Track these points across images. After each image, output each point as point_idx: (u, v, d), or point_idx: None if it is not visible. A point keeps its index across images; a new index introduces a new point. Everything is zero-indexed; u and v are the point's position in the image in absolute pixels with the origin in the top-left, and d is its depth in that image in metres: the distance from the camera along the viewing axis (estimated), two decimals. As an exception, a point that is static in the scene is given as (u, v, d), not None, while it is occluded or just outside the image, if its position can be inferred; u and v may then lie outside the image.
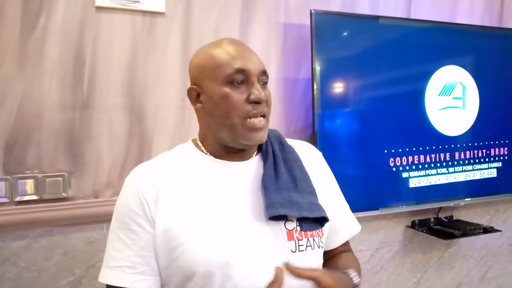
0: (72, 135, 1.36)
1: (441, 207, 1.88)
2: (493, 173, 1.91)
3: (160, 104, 1.44)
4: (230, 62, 0.75)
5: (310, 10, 1.55)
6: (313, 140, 1.55)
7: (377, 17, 1.69)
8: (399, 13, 1.84)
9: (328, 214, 0.81)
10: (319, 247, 0.79)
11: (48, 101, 1.33)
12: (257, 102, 0.75)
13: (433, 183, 1.77)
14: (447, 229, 1.77)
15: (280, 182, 0.79)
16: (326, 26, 1.57)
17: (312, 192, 0.82)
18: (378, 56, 1.67)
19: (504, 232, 2.07)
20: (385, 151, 1.68)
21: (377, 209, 1.65)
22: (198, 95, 0.80)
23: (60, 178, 1.34)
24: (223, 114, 0.76)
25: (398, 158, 1.69)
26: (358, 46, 1.65)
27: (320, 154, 0.94)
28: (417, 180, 1.73)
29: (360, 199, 1.63)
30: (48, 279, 1.33)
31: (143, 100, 1.43)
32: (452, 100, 1.81)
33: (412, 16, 1.87)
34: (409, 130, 1.72)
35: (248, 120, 0.75)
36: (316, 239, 0.79)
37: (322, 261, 0.81)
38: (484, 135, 1.89)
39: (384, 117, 1.68)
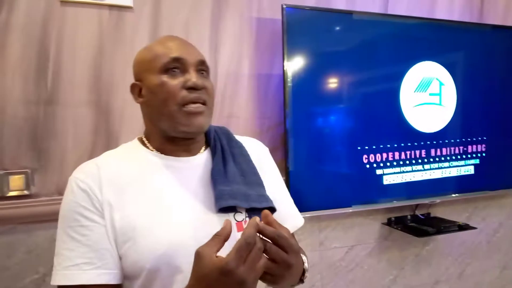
0: (35, 131, 1.34)
1: (418, 205, 1.87)
2: (470, 170, 1.90)
3: (127, 100, 1.41)
4: (167, 52, 0.78)
5: (282, 5, 1.52)
6: (285, 137, 1.54)
7: (350, 12, 1.66)
8: (376, 9, 1.83)
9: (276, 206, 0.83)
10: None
11: (10, 97, 1.31)
12: (193, 88, 0.76)
13: (408, 180, 1.75)
14: (421, 227, 1.76)
15: (229, 175, 0.81)
16: (298, 21, 1.55)
17: (260, 184, 0.84)
18: (353, 52, 1.65)
19: (482, 229, 2.06)
20: (359, 148, 1.66)
21: (350, 206, 1.64)
22: (140, 90, 0.81)
23: (23, 175, 1.32)
24: (161, 103, 0.77)
25: (372, 155, 1.68)
26: (331, 42, 1.63)
27: (266, 149, 0.96)
28: (391, 177, 1.72)
29: (334, 196, 1.62)
30: (11, 277, 1.32)
31: (109, 96, 1.41)
32: (428, 96, 1.79)
33: (390, 12, 1.85)
34: (383, 127, 1.71)
35: (186, 106, 0.76)
36: None
37: None
38: (461, 131, 1.88)
39: (358, 113, 1.66)
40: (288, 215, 0.91)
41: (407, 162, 1.75)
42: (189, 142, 0.83)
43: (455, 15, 2.00)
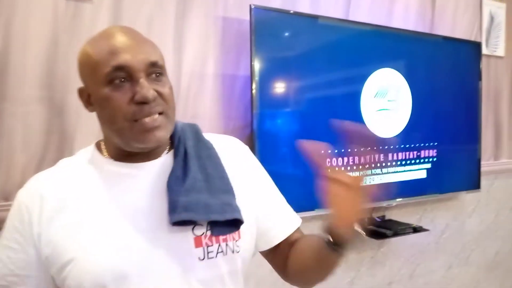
0: (-22, 130, 1.20)
1: (374, 208, 1.91)
2: (423, 174, 1.98)
3: (84, 98, 1.31)
4: (107, 59, 0.65)
5: (250, 5, 1.49)
6: (251, 139, 1.50)
7: (316, 17, 1.67)
8: (339, 14, 1.85)
9: (260, 212, 0.77)
10: (233, 251, 0.72)
11: None
12: (143, 102, 0.65)
13: (367, 183, 1.79)
14: (379, 229, 1.81)
15: (189, 182, 0.71)
16: (265, 23, 1.53)
17: (227, 191, 0.74)
18: (317, 56, 1.66)
19: (431, 231, 2.16)
20: (322, 152, 1.66)
21: (313, 210, 1.64)
22: (89, 97, 0.71)
23: (-37, 179, 1.18)
24: (109, 119, 0.68)
25: (334, 159, 1.69)
26: (298, 45, 1.62)
27: (246, 148, 0.87)
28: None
29: (297, 199, 1.60)
30: None
31: (64, 93, 1.30)
32: (387, 102, 1.85)
33: (351, 18, 1.88)
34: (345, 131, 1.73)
35: (139, 120, 0.66)
36: (230, 243, 0.72)
37: (239, 267, 0.74)
38: (415, 137, 1.95)
39: (321, 117, 1.67)
40: (283, 217, 0.85)
41: (367, 166, 1.78)
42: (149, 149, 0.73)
43: (410, 24, 2.08)
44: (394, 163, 1.87)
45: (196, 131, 0.80)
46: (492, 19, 2.41)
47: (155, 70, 0.68)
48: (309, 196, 1.64)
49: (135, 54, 0.66)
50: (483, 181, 2.28)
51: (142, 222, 0.68)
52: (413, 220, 2.09)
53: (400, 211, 2.05)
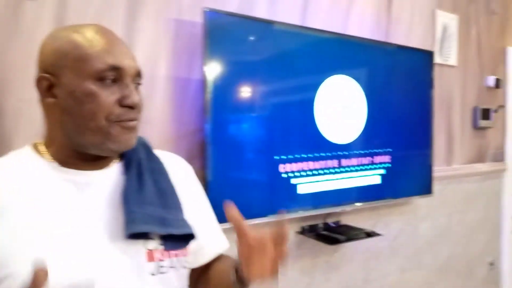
0: None
1: (329, 213, 1.92)
2: (377, 179, 2.01)
3: (24, 100, 1.24)
4: (102, 55, 0.66)
5: (203, 9, 1.47)
6: (203, 145, 1.48)
7: (272, 22, 1.67)
8: (295, 20, 1.85)
9: (196, 231, 0.75)
10: (184, 267, 0.74)
11: None
12: (131, 107, 0.67)
13: (322, 189, 1.80)
14: (333, 235, 1.82)
15: (145, 195, 0.71)
16: (219, 26, 1.51)
17: (179, 207, 0.75)
18: (272, 62, 1.65)
19: (385, 235, 2.20)
20: (276, 158, 1.66)
21: (266, 216, 1.63)
22: (51, 87, 0.67)
23: None
24: (87, 115, 0.65)
25: (288, 165, 1.69)
26: (252, 50, 1.62)
27: (190, 167, 0.88)
28: (306, 186, 1.75)
29: (250, 206, 1.60)
30: None
31: (1, 94, 1.23)
32: (341, 109, 1.87)
33: (307, 23, 1.89)
34: (299, 137, 1.73)
35: (118, 123, 0.67)
36: (180, 259, 0.73)
37: (185, 283, 0.76)
38: (370, 143, 1.98)
39: (276, 123, 1.66)
40: (210, 239, 0.85)
41: (321, 172, 1.80)
42: (102, 157, 0.71)
43: (366, 33, 2.11)
44: (348, 169, 1.89)
45: (146, 145, 0.80)
46: (445, 29, 2.50)
47: (138, 80, 0.71)
48: (262, 203, 1.64)
49: (130, 60, 0.69)
50: (436, 186, 2.35)
51: (92, 234, 0.66)
52: (368, 225, 2.12)
53: (355, 216, 2.08)
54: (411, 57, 2.17)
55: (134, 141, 0.70)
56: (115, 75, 0.66)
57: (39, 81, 0.68)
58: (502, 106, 2.97)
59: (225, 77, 1.53)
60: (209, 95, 1.48)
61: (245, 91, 1.60)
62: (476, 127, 2.75)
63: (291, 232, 1.87)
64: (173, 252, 0.71)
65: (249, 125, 1.62)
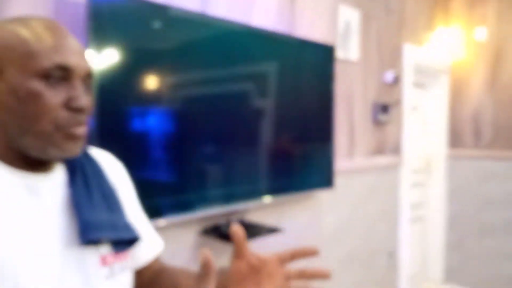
0: None
1: (233, 212, 1.85)
2: (280, 175, 1.98)
3: None
4: (50, 53, 0.61)
5: (83, -14, 1.29)
6: (90, 140, 1.30)
7: (166, 7, 1.52)
8: (195, 6, 1.73)
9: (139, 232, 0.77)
10: (131, 269, 0.76)
11: None
12: (78, 111, 0.63)
13: (223, 188, 1.71)
14: (234, 234, 1.74)
15: (93, 200, 0.70)
16: (106, 8, 1.34)
17: (121, 210, 0.75)
18: (165, 50, 1.52)
19: (290, 230, 2.19)
20: (172, 152, 1.53)
21: (163, 216, 1.50)
22: None
23: None
24: (30, 117, 0.61)
25: (188, 162, 1.57)
26: (143, 36, 1.46)
27: (122, 166, 0.85)
28: (207, 185, 1.65)
29: (148, 207, 1.46)
30: None
31: None
32: (243, 102, 1.79)
33: (209, 11, 1.78)
34: (199, 133, 1.63)
35: (65, 128, 0.62)
36: (129, 261, 0.75)
37: (132, 285, 0.77)
38: (272, 138, 1.94)
39: (173, 117, 1.54)
40: (150, 238, 0.84)
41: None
42: (45, 160, 0.67)
43: (270, 25, 2.06)
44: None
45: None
46: (347, 25, 2.55)
47: (89, 81, 0.67)
48: (160, 203, 1.51)
49: (80, 60, 0.64)
50: (338, 179, 2.39)
51: (49, 241, 0.64)
52: (272, 221, 2.09)
53: (259, 213, 2.03)
54: (314, 51, 2.17)
55: (79, 150, 0.66)
56: (63, 75, 0.62)
57: None
58: (398, 101, 3.14)
59: (112, 66, 1.37)
60: (94, 85, 1.30)
61: (136, 82, 1.45)
62: (375, 122, 2.86)
63: (193, 233, 1.76)
64: (122, 255, 0.72)
65: (142, 118, 1.48)
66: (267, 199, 1.92)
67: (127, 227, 0.73)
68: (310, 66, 2.13)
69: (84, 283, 0.66)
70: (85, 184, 0.70)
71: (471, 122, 3.69)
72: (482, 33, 3.58)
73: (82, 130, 0.65)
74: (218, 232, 1.81)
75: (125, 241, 0.72)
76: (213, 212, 1.71)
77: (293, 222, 2.23)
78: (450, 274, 3.84)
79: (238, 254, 0.70)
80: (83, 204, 0.67)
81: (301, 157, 2.07)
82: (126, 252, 0.73)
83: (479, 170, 3.63)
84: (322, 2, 2.38)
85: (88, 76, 0.67)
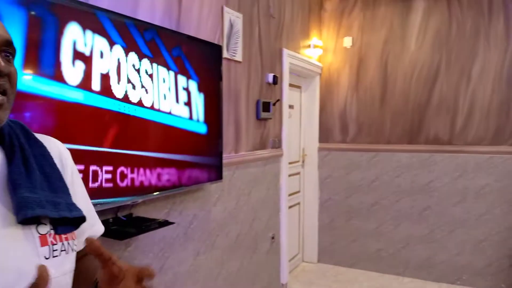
0: None
1: (119, 207, 1.83)
2: (170, 169, 2.01)
3: None
4: None
5: None
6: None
7: (47, -6, 1.45)
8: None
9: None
10: (72, 250, 0.76)
11: None
12: None
13: (110, 183, 1.69)
14: (123, 229, 1.74)
15: (33, 179, 0.70)
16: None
17: (66, 191, 0.76)
18: (46, 41, 1.45)
19: (179, 223, 2.24)
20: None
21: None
22: None
23: None
24: None
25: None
26: (20, 24, 1.37)
27: (67, 150, 0.86)
28: (94, 180, 1.61)
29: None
30: None
31: None
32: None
33: (91, 2, 1.73)
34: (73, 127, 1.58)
35: None
36: (70, 242, 0.75)
37: (74, 265, 0.77)
38: (159, 136, 1.97)
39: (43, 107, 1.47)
40: (94, 221, 0.88)
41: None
42: None
43: (156, 20, 2.07)
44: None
45: (24, 128, 0.78)
46: (231, 26, 2.68)
47: (9, 50, 0.69)
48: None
49: None
50: (225, 172, 2.51)
51: None
52: (162, 215, 2.11)
53: (148, 207, 2.04)
54: (202, 49, 2.24)
55: (3, 117, 0.67)
56: None
57: None
58: (278, 100, 3.40)
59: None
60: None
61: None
62: (258, 118, 3.07)
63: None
64: (63, 236, 0.73)
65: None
66: (157, 194, 1.95)
67: (70, 206, 0.74)
68: (199, 64, 2.20)
69: (24, 263, 0.65)
70: (25, 166, 0.70)
71: (339, 119, 4.17)
72: (348, 42, 4.07)
73: (1, 98, 0.66)
74: (105, 229, 1.77)
75: (66, 223, 0.72)
76: (101, 207, 1.67)
77: (183, 214, 2.29)
78: (323, 253, 4.30)
79: (104, 262, 0.71)
80: (21, 184, 0.67)
81: (190, 152, 2.13)
82: (68, 233, 0.74)
83: (346, 161, 4.13)
84: (208, 1, 2.46)
85: (6, 44, 0.68)
